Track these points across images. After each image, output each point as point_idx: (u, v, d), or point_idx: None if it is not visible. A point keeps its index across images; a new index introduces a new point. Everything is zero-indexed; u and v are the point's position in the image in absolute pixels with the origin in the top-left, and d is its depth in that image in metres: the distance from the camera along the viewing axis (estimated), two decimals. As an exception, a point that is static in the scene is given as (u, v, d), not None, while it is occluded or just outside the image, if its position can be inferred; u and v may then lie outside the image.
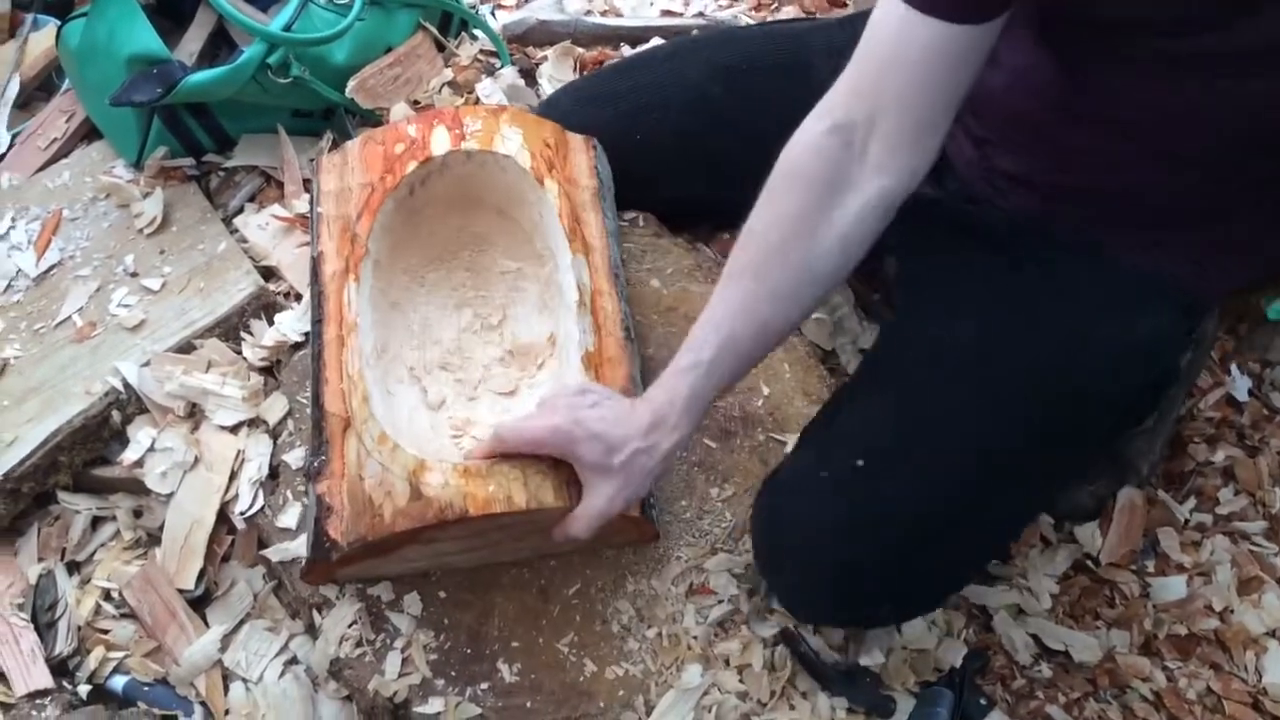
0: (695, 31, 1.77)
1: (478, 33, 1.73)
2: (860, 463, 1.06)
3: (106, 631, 1.24)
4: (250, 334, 1.37)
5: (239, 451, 1.27)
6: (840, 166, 0.93)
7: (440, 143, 1.22)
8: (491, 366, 1.24)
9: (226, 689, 1.20)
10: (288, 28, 1.44)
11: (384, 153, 1.22)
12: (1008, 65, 1.05)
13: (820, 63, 1.24)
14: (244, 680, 1.20)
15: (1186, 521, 1.42)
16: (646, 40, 1.76)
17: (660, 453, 0.97)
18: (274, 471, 1.26)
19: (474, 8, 1.79)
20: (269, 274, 1.45)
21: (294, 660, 1.21)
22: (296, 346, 1.34)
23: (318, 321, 1.14)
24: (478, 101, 1.62)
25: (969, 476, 1.06)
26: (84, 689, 1.20)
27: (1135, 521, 1.38)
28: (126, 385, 1.31)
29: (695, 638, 1.16)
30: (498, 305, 1.28)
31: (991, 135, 1.11)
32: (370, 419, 1.05)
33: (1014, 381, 1.07)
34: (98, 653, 1.22)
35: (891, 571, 1.06)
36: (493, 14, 1.83)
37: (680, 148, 1.30)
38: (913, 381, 1.10)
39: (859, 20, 1.26)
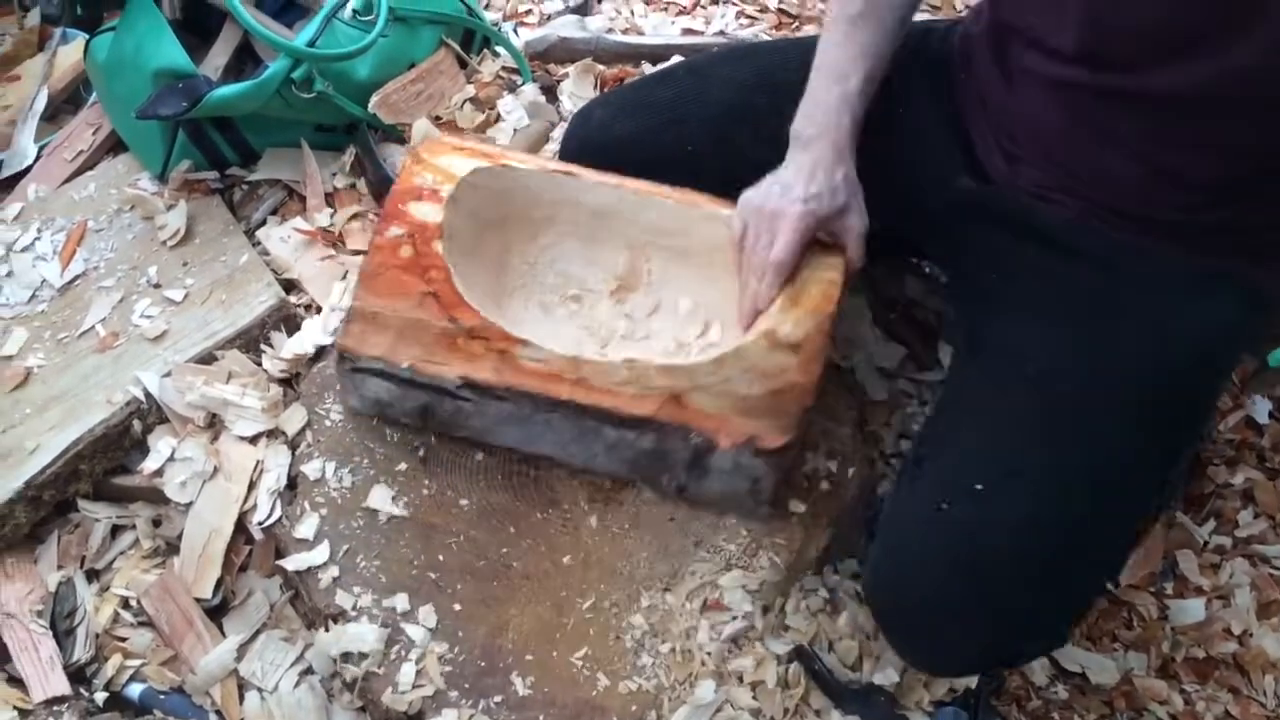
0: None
1: (500, 49, 1.74)
2: (979, 486, 1.04)
3: (124, 639, 1.25)
4: (270, 346, 1.38)
5: (258, 462, 1.27)
6: None
7: (428, 211, 1.17)
8: (620, 310, 1.25)
9: (242, 698, 1.20)
10: (312, 43, 1.46)
11: (404, 264, 1.14)
12: (1020, 88, 1.07)
13: None
14: (259, 690, 1.20)
15: (1206, 544, 1.42)
16: (667, 58, 1.76)
17: (852, 170, 1.10)
18: (292, 482, 1.26)
19: (496, 25, 1.81)
20: (290, 286, 1.45)
21: (309, 670, 1.21)
22: (315, 358, 1.35)
23: (530, 394, 1.12)
24: (499, 118, 1.63)
25: (1092, 484, 1.03)
26: (100, 696, 1.21)
27: (1155, 544, 1.38)
28: (148, 395, 1.32)
29: (709, 654, 1.16)
30: (559, 279, 1.27)
31: (1018, 152, 1.12)
32: (686, 371, 1.11)
33: (1116, 381, 1.05)
34: (115, 660, 1.23)
35: (1036, 597, 1.03)
36: (515, 31, 1.84)
37: (696, 159, 1.30)
38: (1013, 399, 1.08)
39: None
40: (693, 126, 1.28)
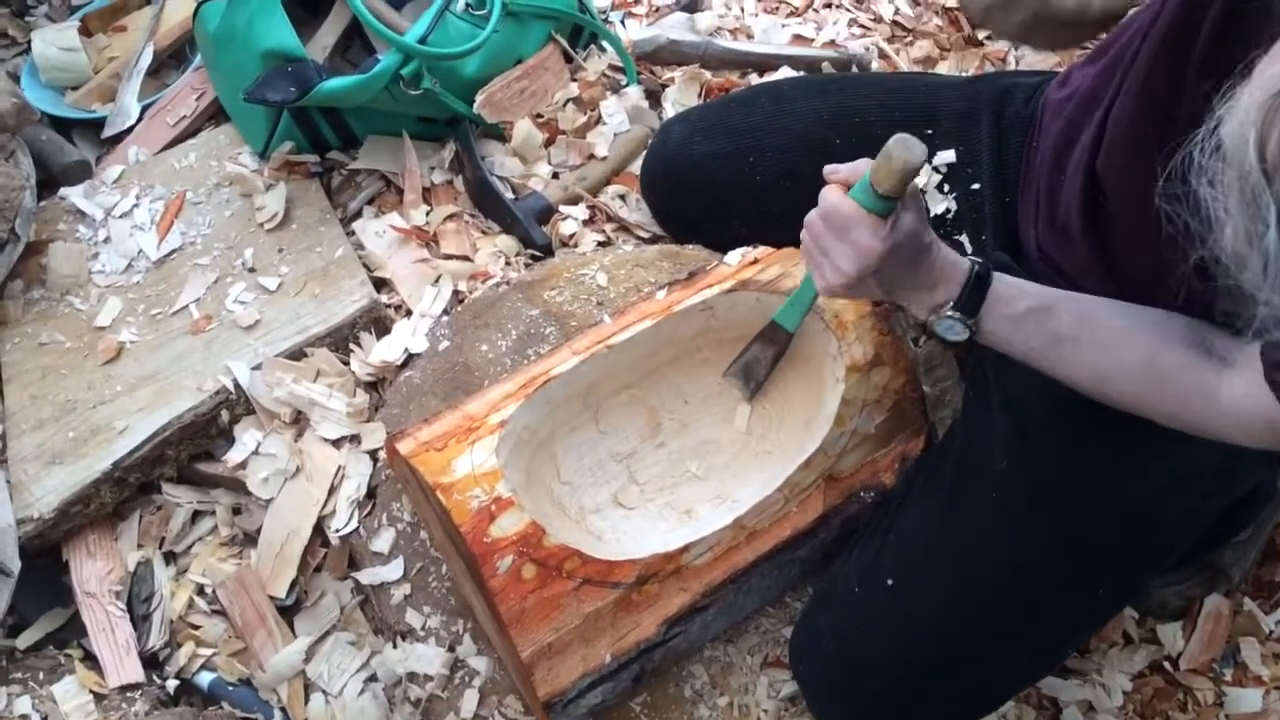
0: (825, 64, 1.75)
1: (607, 45, 1.71)
2: (890, 581, 1.07)
3: (197, 627, 1.28)
4: (359, 347, 1.39)
5: (340, 467, 1.29)
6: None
7: (512, 520, 1.02)
8: (674, 445, 1.24)
9: (307, 699, 1.24)
10: (424, 39, 1.44)
11: (538, 581, 1.02)
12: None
13: (906, 123, 1.24)
14: (324, 692, 1.23)
15: (1270, 633, 1.40)
16: (775, 68, 1.73)
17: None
18: (372, 492, 1.28)
19: (604, 14, 1.77)
20: (381, 284, 1.46)
21: (373, 678, 1.24)
22: (402, 366, 1.35)
23: (724, 581, 1.09)
24: (600, 120, 1.61)
25: (998, 598, 1.05)
26: (172, 683, 1.24)
27: (1219, 630, 1.36)
28: (237, 386, 1.33)
29: (766, 711, 1.17)
30: (594, 476, 1.21)
31: (1051, 234, 1.11)
32: (821, 453, 1.12)
33: (1061, 499, 1.04)
34: (188, 648, 1.26)
35: (912, 695, 1.06)
36: (622, 22, 1.81)
37: (764, 189, 1.30)
38: (958, 497, 1.09)
39: (970, 84, 1.28)
40: (765, 157, 1.29)
